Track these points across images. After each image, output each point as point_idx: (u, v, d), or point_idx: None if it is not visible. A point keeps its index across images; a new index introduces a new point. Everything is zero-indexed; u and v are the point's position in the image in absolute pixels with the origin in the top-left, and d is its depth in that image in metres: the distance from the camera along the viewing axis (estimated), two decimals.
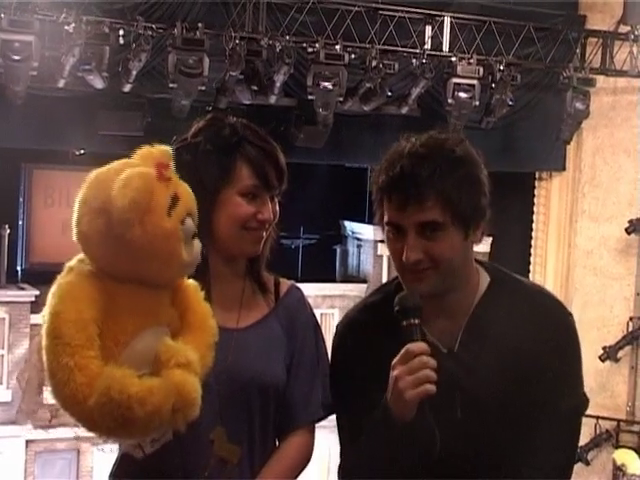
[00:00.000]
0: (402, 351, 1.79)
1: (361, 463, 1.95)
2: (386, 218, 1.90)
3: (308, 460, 2.08)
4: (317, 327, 2.14)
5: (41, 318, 1.76)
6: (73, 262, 1.82)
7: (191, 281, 1.89)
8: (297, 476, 2.06)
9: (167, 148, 1.83)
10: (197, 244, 1.81)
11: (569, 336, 1.97)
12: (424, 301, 1.86)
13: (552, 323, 1.95)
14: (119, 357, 1.73)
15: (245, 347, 1.98)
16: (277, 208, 2.06)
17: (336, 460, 2.12)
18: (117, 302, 1.75)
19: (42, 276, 15.56)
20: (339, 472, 2.04)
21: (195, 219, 1.81)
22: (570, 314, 2.00)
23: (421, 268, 1.87)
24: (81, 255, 1.82)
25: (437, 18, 8.90)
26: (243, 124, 2.07)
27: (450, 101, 8.58)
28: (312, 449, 2.08)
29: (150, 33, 7.56)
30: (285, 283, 2.14)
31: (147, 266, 1.76)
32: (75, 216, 1.78)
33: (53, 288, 1.77)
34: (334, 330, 2.09)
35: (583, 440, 9.29)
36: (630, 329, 9.69)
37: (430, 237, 1.85)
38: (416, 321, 1.80)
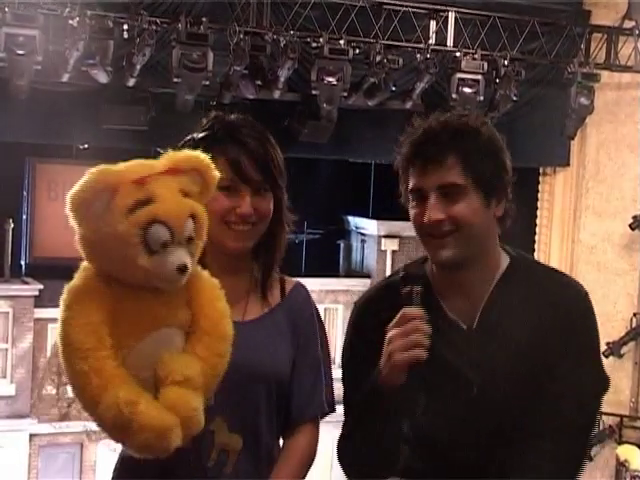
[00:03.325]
0: (398, 314, 1.81)
1: (355, 432, 1.97)
2: (410, 185, 1.93)
3: (314, 456, 2.09)
4: (321, 324, 2.15)
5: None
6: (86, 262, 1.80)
7: (208, 278, 1.85)
8: (306, 474, 2.07)
9: (193, 154, 1.80)
10: (174, 256, 1.69)
11: (587, 315, 1.98)
12: (446, 275, 1.91)
13: (570, 302, 1.97)
14: (124, 361, 1.71)
15: (250, 339, 1.98)
16: (266, 203, 2.03)
17: None
18: (122, 305, 1.72)
19: (46, 270, 15.63)
20: (337, 444, 2.04)
21: (180, 231, 1.70)
22: (587, 293, 2.01)
23: (443, 231, 1.89)
24: None
25: (441, 13, 8.88)
26: (237, 120, 2.07)
27: (454, 96, 8.56)
28: (317, 444, 2.09)
29: (154, 28, 7.56)
30: (290, 281, 2.15)
31: (108, 266, 1.71)
32: None
33: (64, 291, 1.75)
34: (337, 324, 2.10)
35: None
36: (634, 325, 9.68)
37: (451, 199, 1.89)
38: (417, 288, 1.83)
